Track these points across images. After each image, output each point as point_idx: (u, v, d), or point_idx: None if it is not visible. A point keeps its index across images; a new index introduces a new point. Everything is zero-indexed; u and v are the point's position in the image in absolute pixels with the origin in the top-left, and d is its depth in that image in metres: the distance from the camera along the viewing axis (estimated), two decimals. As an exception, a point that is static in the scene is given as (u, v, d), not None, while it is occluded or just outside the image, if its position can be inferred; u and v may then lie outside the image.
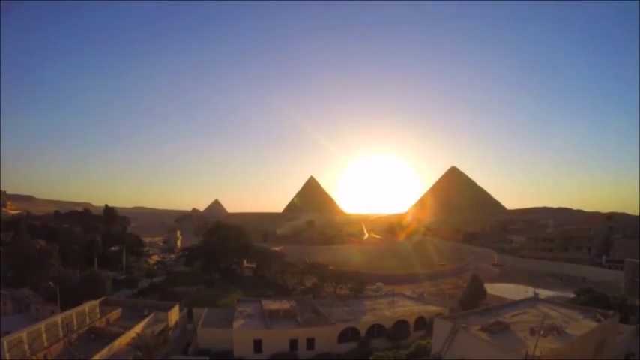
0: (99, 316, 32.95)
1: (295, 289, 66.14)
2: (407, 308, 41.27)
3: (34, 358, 23.72)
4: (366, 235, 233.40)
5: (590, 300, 38.41)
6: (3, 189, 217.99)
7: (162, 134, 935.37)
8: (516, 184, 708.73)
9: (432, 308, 41.23)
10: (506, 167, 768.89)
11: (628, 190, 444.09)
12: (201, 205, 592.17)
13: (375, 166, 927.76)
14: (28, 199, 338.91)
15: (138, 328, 30.33)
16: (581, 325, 25.24)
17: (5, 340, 22.42)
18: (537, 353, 18.47)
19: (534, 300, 33.77)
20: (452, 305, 45.71)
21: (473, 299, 45.01)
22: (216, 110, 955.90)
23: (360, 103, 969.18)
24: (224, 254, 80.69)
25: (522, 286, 60.37)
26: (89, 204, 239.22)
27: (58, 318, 28.12)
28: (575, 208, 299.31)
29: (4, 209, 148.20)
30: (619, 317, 29.15)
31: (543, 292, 52.25)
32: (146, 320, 33.55)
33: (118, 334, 28.48)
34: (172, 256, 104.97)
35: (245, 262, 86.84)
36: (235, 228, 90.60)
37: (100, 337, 29.03)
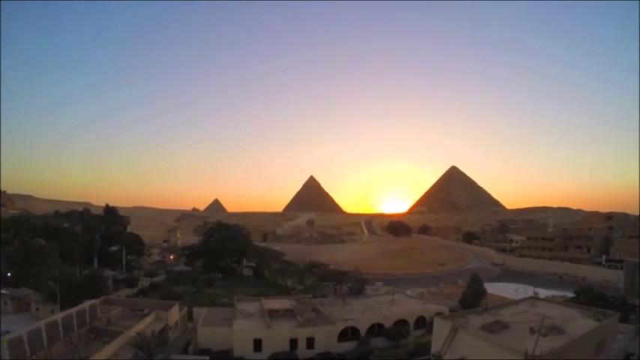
0: (99, 315, 32.90)
1: (295, 289, 66.14)
2: (407, 307, 41.22)
3: (34, 358, 23.71)
4: (367, 235, 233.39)
5: (590, 300, 38.34)
6: (3, 188, 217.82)
7: (162, 134, 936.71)
8: (516, 184, 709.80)
9: (432, 307, 41.20)
10: (506, 167, 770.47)
11: (628, 190, 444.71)
12: (202, 205, 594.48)
13: (375, 165, 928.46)
14: (28, 198, 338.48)
15: (138, 327, 30.30)
16: (581, 325, 25.19)
17: (5, 340, 22.38)
18: (537, 353, 18.44)
19: (534, 299, 33.72)
20: (452, 305, 45.70)
21: (473, 299, 44.98)
22: (216, 110, 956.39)
23: (360, 103, 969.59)
24: (224, 254, 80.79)
25: (522, 286, 60.30)
26: (89, 203, 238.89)
27: (58, 317, 28.05)
28: (575, 207, 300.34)
29: (4, 209, 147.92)
30: (619, 317, 29.13)
31: (543, 292, 52.25)
32: (146, 319, 33.51)
33: (119, 334, 28.46)
34: (172, 255, 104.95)
35: (245, 261, 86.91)
36: (235, 228, 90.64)
37: (101, 336, 29.02)
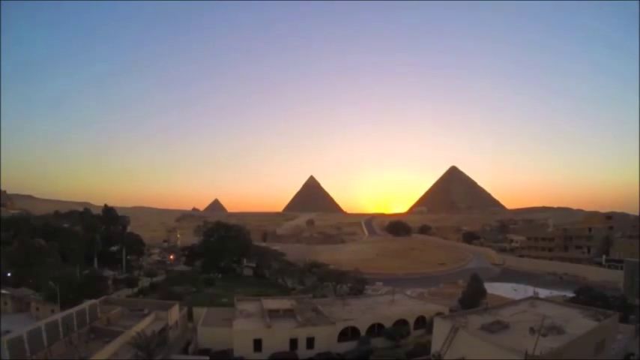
0: (99, 315, 32.92)
1: (295, 289, 66.13)
2: (407, 307, 41.23)
3: (34, 358, 23.71)
4: (366, 235, 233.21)
5: (590, 300, 38.38)
6: (3, 188, 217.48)
7: (162, 134, 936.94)
8: (516, 184, 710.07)
9: (432, 307, 41.21)
10: (506, 167, 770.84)
11: (628, 190, 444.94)
12: (202, 205, 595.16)
13: (375, 165, 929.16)
14: (28, 198, 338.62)
15: (138, 327, 30.29)
16: (581, 324, 25.20)
17: (5, 340, 22.39)
18: (537, 353, 18.45)
19: (534, 299, 33.75)
20: (452, 305, 45.69)
21: (473, 299, 45.01)
22: (216, 109, 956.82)
23: (360, 102, 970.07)
24: (224, 254, 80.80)
25: (522, 286, 60.30)
26: (89, 203, 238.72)
27: (58, 317, 28.07)
28: (575, 207, 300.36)
29: (4, 209, 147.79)
30: (619, 317, 29.14)
31: (543, 292, 52.21)
32: (146, 319, 33.52)
33: (119, 334, 28.48)
34: (172, 255, 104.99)
35: (245, 261, 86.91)
36: (235, 228, 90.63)
37: (101, 336, 29.04)
